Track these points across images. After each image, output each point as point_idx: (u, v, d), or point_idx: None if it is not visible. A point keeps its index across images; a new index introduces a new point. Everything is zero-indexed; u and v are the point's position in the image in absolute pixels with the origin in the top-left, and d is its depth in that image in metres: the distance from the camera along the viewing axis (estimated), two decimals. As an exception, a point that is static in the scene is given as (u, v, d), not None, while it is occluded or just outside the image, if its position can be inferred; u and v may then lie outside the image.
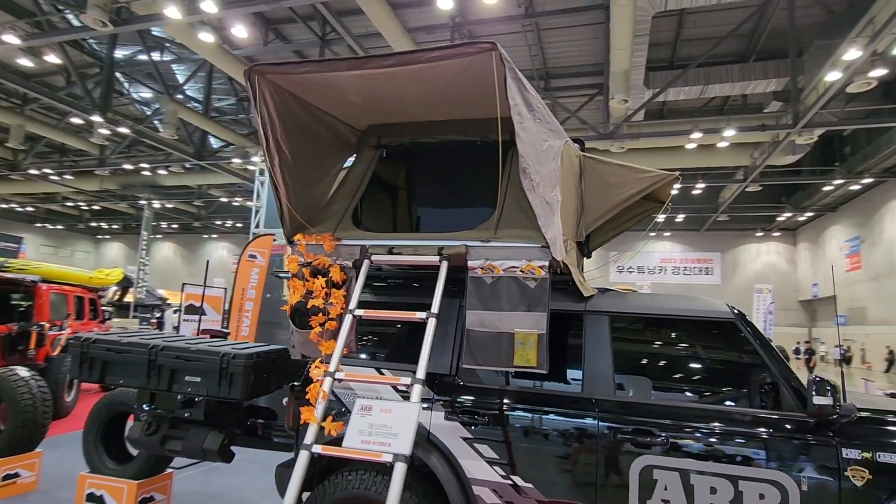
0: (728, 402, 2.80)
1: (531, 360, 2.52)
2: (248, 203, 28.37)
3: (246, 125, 23.53)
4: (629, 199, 3.14)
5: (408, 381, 2.54)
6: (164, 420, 3.28)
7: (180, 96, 20.12)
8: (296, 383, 3.26)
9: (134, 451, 4.15)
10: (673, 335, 3.04)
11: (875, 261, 18.12)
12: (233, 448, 3.37)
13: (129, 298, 17.44)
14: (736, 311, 2.87)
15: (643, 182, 3.12)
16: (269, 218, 9.20)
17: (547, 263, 2.60)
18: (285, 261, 3.03)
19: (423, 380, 2.54)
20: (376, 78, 2.64)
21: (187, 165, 23.87)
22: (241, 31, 14.27)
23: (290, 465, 3.12)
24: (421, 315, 2.70)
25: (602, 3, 14.44)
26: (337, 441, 2.50)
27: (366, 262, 2.89)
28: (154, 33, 17.22)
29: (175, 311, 24.91)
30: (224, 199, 28.03)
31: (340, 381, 2.78)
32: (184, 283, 7.42)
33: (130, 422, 4.03)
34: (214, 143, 23.59)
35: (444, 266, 2.78)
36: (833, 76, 11.79)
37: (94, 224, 37.94)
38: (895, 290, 16.99)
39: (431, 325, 2.64)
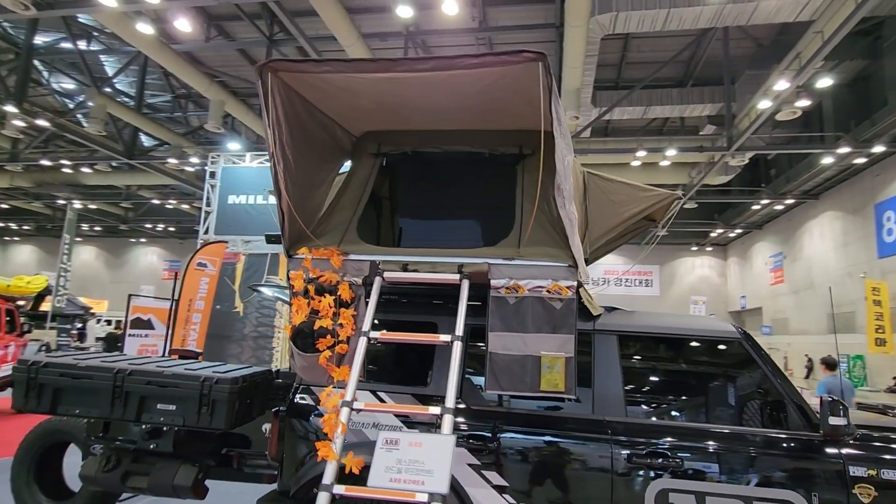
0: (736, 422, 2.82)
1: (559, 385, 2.43)
2: (184, 206, 26.80)
3: (182, 124, 22.23)
4: (633, 217, 3.13)
5: (437, 410, 2.36)
6: (124, 453, 2.91)
7: (109, 90, 18.71)
8: (280, 408, 3.02)
9: (75, 487, 3.68)
10: (681, 354, 3.05)
11: (796, 275, 19.68)
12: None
13: (45, 307, 15.87)
14: (741, 330, 2.91)
15: (647, 201, 3.13)
16: (219, 224, 8.67)
17: (575, 284, 2.52)
18: (285, 275, 2.77)
19: (454, 409, 2.36)
20: (401, 82, 2.48)
21: (114, 164, 22.18)
22: (184, 24, 13.46)
23: (271, 499, 2.86)
24: (445, 338, 2.54)
25: (554, 23, 14.89)
26: (357, 479, 2.30)
27: (377, 279, 2.69)
28: (81, 20, 15.95)
29: (99, 322, 23.00)
30: (156, 201, 26.30)
31: (359, 411, 2.54)
32: (130, 295, 6.76)
33: (77, 453, 3.58)
34: (147, 142, 22.11)
35: (466, 285, 2.64)
36: (764, 104, 12.70)
37: (0, 225, 34.47)
38: (813, 302, 18.47)
39: (457, 348, 2.48)
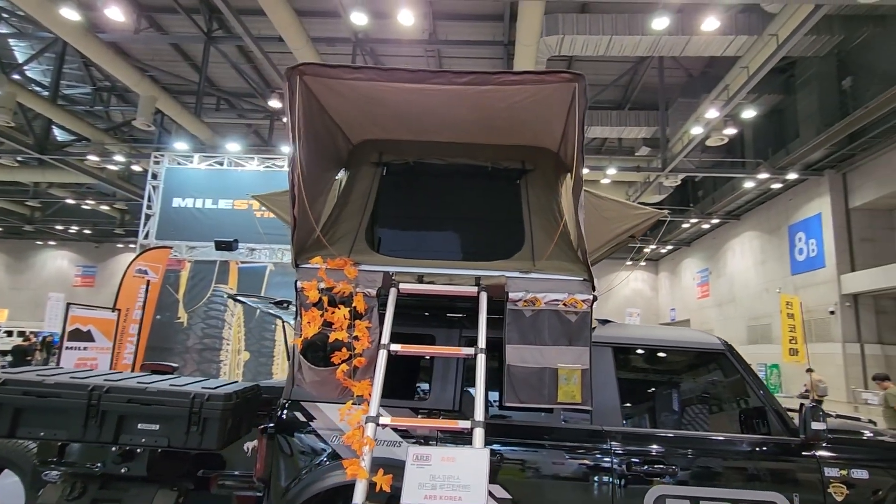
0: (723, 428, 2.98)
1: (576, 397, 2.44)
2: (103, 207, 24.76)
3: (103, 118, 20.63)
4: (623, 233, 3.24)
5: (467, 424, 2.29)
6: (90, 479, 2.58)
7: (18, 77, 17.03)
8: (268, 426, 2.81)
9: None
10: (671, 365, 3.17)
11: (720, 290, 21.21)
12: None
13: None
14: (725, 343, 3.07)
15: (637, 218, 3.25)
16: (162, 228, 8.05)
17: (590, 298, 2.57)
18: (298, 287, 2.58)
19: (484, 422, 2.30)
20: (430, 93, 2.46)
21: (20, 158, 20.12)
22: (116, 13, 12.53)
23: None
24: (468, 351, 2.49)
25: (502, 41, 15.28)
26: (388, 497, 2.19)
27: (393, 290, 2.62)
28: (-11, 0, 14.46)
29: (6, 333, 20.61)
30: (70, 201, 24.10)
31: (385, 427, 2.40)
32: (69, 304, 6.06)
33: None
34: (61, 136, 20.28)
35: (484, 298, 2.62)
36: (696, 130, 13.65)
37: None
38: (735, 315, 19.96)
39: (481, 361, 2.43)
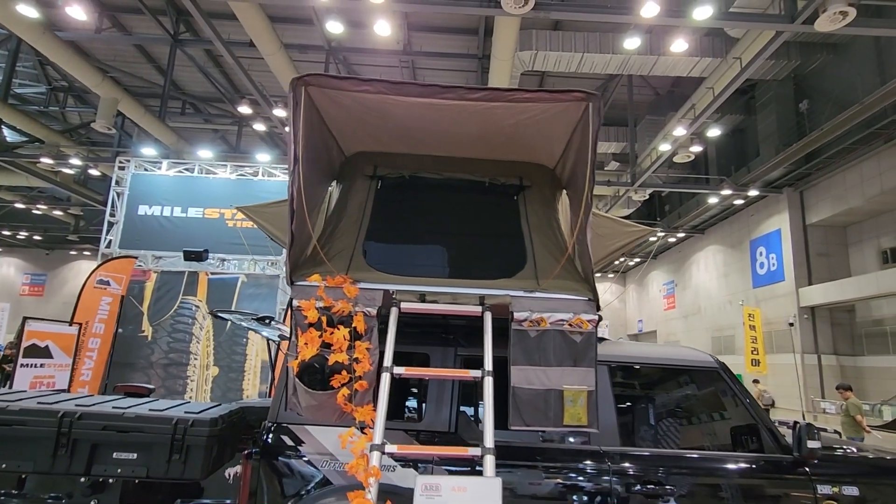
0: (714, 446, 2.98)
1: (582, 419, 2.38)
2: (56, 212, 23.56)
3: (59, 120, 19.73)
4: (617, 250, 3.24)
5: (477, 451, 2.18)
6: (56, 514, 2.35)
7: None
8: (252, 451, 2.63)
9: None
10: (666, 383, 3.16)
11: (685, 301, 21.76)
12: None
13: None
14: (718, 361, 3.08)
15: (631, 235, 3.25)
16: (126, 237, 7.64)
17: (596, 318, 2.53)
18: (295, 306, 2.43)
19: (494, 449, 2.19)
20: (439, 108, 2.41)
21: (-34, 160, 19.00)
22: (77, 12, 12.00)
23: None
24: (475, 373, 2.38)
25: (476, 55, 15.41)
26: None
27: (394, 310, 2.50)
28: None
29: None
30: (19, 206, 22.86)
31: (391, 455, 2.26)
32: (26, 318, 5.61)
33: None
34: (11, 137, 19.23)
35: (489, 318, 2.53)
36: (664, 146, 14.05)
37: None
38: (699, 326, 20.50)
39: (488, 384, 2.33)
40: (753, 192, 15.48)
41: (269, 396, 6.68)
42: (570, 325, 2.49)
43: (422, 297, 2.60)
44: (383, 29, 11.65)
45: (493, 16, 11.26)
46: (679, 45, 11.35)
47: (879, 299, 13.53)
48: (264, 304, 8.26)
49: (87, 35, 14.24)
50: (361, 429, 2.42)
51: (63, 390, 5.79)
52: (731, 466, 2.78)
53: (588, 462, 2.71)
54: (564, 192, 3.13)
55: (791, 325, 14.86)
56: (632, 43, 11.25)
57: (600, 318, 2.56)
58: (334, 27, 11.86)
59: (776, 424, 3.01)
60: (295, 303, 2.45)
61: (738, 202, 16.84)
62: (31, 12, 11.59)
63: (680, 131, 13.36)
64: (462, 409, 2.88)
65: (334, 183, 3.09)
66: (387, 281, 2.59)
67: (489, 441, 2.20)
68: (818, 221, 14.95)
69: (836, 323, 14.86)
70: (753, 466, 2.79)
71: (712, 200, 16.63)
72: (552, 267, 2.69)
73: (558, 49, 13.62)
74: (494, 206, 3.04)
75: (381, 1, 9.34)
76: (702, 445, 2.99)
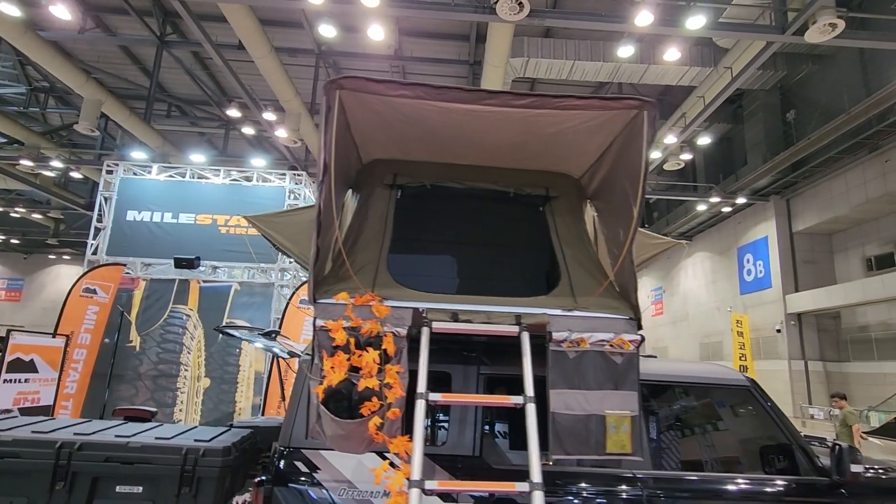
0: (747, 467, 2.85)
1: (626, 447, 2.24)
2: (35, 216, 22.95)
3: (39, 121, 19.23)
4: (643, 263, 3.12)
5: (525, 487, 2.02)
6: (50, 550, 2.18)
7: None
8: (264, 478, 2.49)
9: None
10: (694, 402, 3.04)
11: (673, 308, 21.90)
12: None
13: None
14: (749, 378, 2.98)
15: (657, 248, 3.16)
16: (113, 243, 7.38)
17: (638, 338, 2.39)
18: (319, 326, 2.24)
19: (542, 483, 2.03)
20: (479, 115, 2.28)
21: (-59, 161, 18.41)
22: (62, 11, 11.69)
23: None
24: (516, 399, 2.21)
25: (467, 61, 15.38)
26: None
27: (425, 330, 2.32)
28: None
29: None
30: (-3, 209, 22.23)
31: (432, 492, 2.08)
32: (10, 330, 5.32)
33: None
34: (-11, 138, 18.70)
35: (527, 338, 2.36)
36: (654, 154, 14.15)
37: None
38: (687, 332, 20.64)
39: (531, 411, 2.17)
40: (741, 200, 15.65)
41: (263, 410, 6.50)
42: (610, 345, 2.35)
43: (454, 316, 2.42)
44: (377, 33, 11.54)
45: (487, 22, 11.24)
46: (672, 53, 11.44)
47: (864, 306, 13.74)
48: (258, 313, 8.05)
49: (71, 35, 13.92)
50: (388, 459, 2.26)
51: (48, 406, 5.56)
52: (767, 490, 2.67)
53: (621, 487, 2.59)
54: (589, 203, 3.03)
55: (778, 331, 15.02)
56: (625, 51, 11.31)
57: (643, 339, 2.43)
58: (327, 31, 11.71)
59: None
60: (319, 322, 2.27)
61: (726, 209, 17.02)
62: (12, 10, 11.26)
63: (670, 139, 13.46)
64: (485, 430, 2.73)
65: (349, 192, 2.95)
66: (415, 298, 2.42)
67: (536, 475, 2.02)
68: (804, 229, 15.16)
69: (823, 329, 15.06)
70: (790, 489, 2.68)
71: (700, 208, 16.79)
72: (588, 283, 2.56)
73: (549, 56, 13.66)
74: (521, 217, 2.91)
75: (376, 5, 9.24)
76: (735, 467, 2.85)
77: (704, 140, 15.49)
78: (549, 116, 2.29)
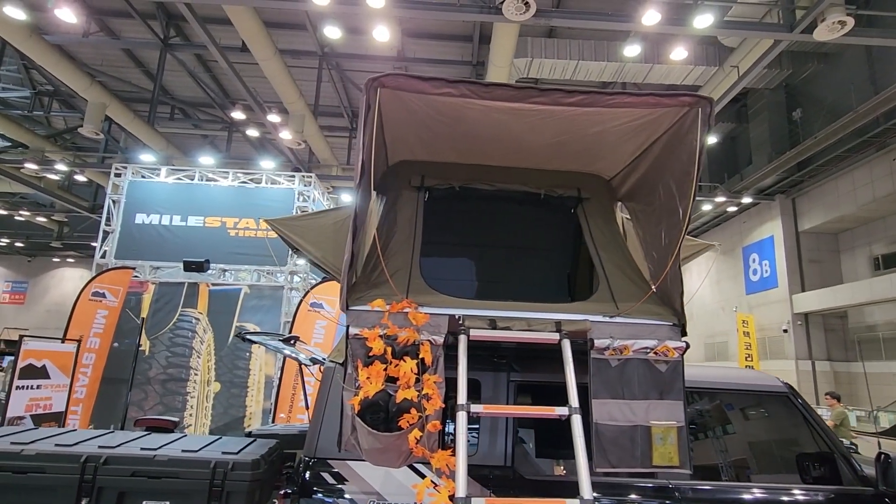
0: (786, 476, 2.76)
1: (673, 459, 2.15)
2: (39, 219, 22.94)
3: (43, 124, 19.23)
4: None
5: (576, 503, 1.94)
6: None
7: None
8: (289, 490, 2.44)
9: None
10: (730, 409, 2.94)
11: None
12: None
13: None
14: (787, 384, 2.90)
15: (690, 250, 3.09)
16: (122, 247, 7.35)
17: (683, 345, 2.31)
18: (353, 334, 2.16)
19: (593, 500, 1.96)
20: (522, 114, 2.19)
21: (-55, 165, 18.42)
22: (67, 14, 11.66)
23: None
24: (561, 411, 2.12)
25: (470, 62, 15.35)
26: None
27: (463, 338, 2.23)
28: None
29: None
30: (1, 212, 22.24)
31: None
32: (22, 336, 5.29)
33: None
34: (-7, 142, 18.73)
35: (568, 345, 2.27)
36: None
37: None
38: (692, 332, 20.57)
39: (577, 423, 2.08)
40: (746, 200, 15.59)
41: (274, 415, 6.45)
42: (655, 353, 2.27)
43: (493, 323, 2.31)
44: (382, 35, 11.50)
45: (492, 22, 11.20)
46: (678, 52, 11.39)
47: (872, 305, 13.68)
48: (267, 316, 8.01)
49: (75, 39, 13.95)
50: (424, 474, 2.20)
51: (60, 413, 5.53)
52: (810, 500, 2.58)
53: (657, 500, 2.51)
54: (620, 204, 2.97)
55: (785, 331, 14.96)
56: (631, 50, 11.27)
57: (687, 346, 2.35)
58: (331, 32, 11.70)
59: None
60: (353, 331, 2.18)
61: (731, 209, 16.95)
62: (18, 14, 11.26)
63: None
64: (515, 439, 2.64)
65: (374, 195, 2.89)
66: (450, 304, 2.33)
67: (587, 492, 1.93)
68: (810, 228, 15.09)
69: (830, 329, 14.99)
70: (834, 500, 2.59)
71: (706, 207, 16.72)
72: (628, 288, 2.48)
73: (553, 56, 13.62)
74: (552, 220, 2.85)
75: (381, 6, 9.20)
76: (773, 476, 2.76)
77: (712, 140, 15.43)
78: (595, 115, 2.20)
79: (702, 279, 19.97)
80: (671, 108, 2.15)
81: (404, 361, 2.12)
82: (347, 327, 2.20)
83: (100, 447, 2.10)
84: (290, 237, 3.03)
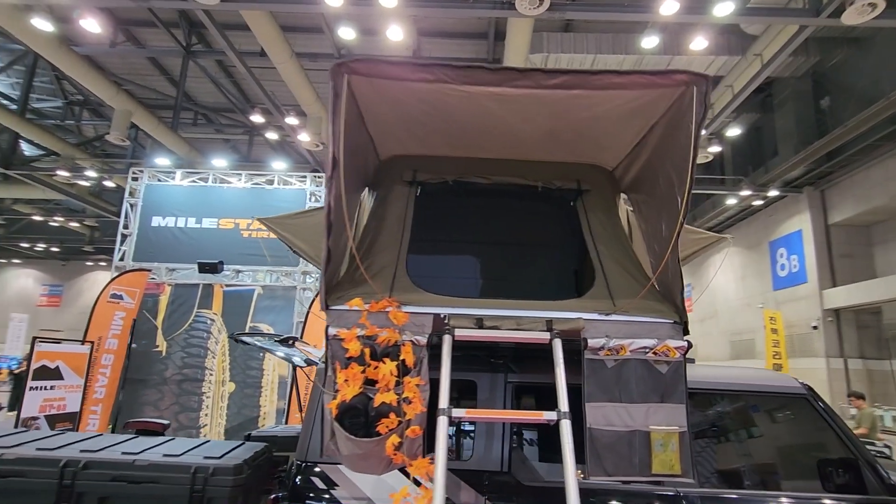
0: (805, 483, 2.61)
1: (675, 467, 2.04)
2: (72, 224, 23.79)
3: (74, 133, 19.89)
4: (685, 260, 2.92)
5: None
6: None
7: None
8: (279, 495, 2.44)
9: None
10: (746, 412, 2.79)
11: (701, 305, 21.32)
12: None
13: None
14: (806, 385, 2.74)
15: (699, 243, 2.99)
16: (139, 249, 7.54)
17: (685, 345, 2.19)
18: (332, 335, 2.09)
19: None
20: (506, 99, 2.10)
21: (-16, 174, 19.21)
22: (93, 25, 12.02)
23: None
24: (549, 415, 2.02)
25: (486, 59, 15.23)
26: None
27: (447, 338, 2.14)
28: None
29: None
30: (37, 218, 23.12)
31: None
32: (35, 338, 5.49)
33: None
34: (28, 151, 19.45)
35: (559, 345, 2.17)
36: (680, 148, 13.77)
37: None
38: (716, 330, 20.08)
39: (566, 427, 1.97)
40: (773, 193, 15.09)
41: (287, 415, 6.52)
42: (654, 353, 2.15)
43: (479, 323, 2.23)
44: (396, 34, 11.51)
45: (506, 18, 11.09)
46: (699, 42, 11.08)
47: (908, 301, 13.09)
48: (280, 316, 8.11)
49: (103, 49, 14.38)
50: (414, 481, 2.16)
51: (74, 413, 5.70)
52: None
53: None
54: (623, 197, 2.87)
55: (815, 328, 14.44)
56: (650, 42, 11.01)
57: (690, 345, 2.23)
58: (346, 33, 11.77)
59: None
60: (332, 331, 2.11)
61: (757, 203, 16.43)
62: (46, 26, 11.65)
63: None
64: (516, 446, 2.57)
65: (366, 191, 2.80)
66: (436, 303, 2.26)
67: (574, 499, 1.81)
68: (841, 221, 14.53)
69: (863, 326, 14.41)
70: None
71: (730, 201, 16.26)
72: (627, 284, 2.37)
73: (570, 51, 13.41)
74: (550, 214, 2.76)
75: (394, 5, 9.19)
76: (791, 484, 2.60)
77: (733, 131, 14.98)
78: (583, 98, 2.09)
79: (725, 275, 19.46)
80: (666, 89, 2.01)
81: (384, 363, 2.04)
82: (327, 327, 2.13)
83: (81, 451, 2.13)
84: (284, 236, 3.02)
